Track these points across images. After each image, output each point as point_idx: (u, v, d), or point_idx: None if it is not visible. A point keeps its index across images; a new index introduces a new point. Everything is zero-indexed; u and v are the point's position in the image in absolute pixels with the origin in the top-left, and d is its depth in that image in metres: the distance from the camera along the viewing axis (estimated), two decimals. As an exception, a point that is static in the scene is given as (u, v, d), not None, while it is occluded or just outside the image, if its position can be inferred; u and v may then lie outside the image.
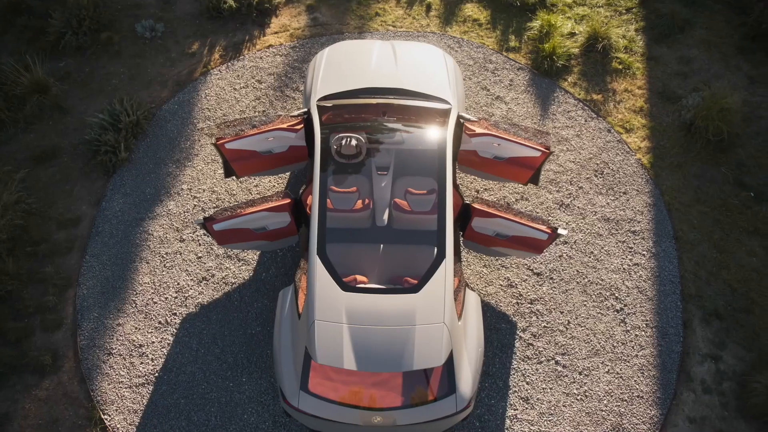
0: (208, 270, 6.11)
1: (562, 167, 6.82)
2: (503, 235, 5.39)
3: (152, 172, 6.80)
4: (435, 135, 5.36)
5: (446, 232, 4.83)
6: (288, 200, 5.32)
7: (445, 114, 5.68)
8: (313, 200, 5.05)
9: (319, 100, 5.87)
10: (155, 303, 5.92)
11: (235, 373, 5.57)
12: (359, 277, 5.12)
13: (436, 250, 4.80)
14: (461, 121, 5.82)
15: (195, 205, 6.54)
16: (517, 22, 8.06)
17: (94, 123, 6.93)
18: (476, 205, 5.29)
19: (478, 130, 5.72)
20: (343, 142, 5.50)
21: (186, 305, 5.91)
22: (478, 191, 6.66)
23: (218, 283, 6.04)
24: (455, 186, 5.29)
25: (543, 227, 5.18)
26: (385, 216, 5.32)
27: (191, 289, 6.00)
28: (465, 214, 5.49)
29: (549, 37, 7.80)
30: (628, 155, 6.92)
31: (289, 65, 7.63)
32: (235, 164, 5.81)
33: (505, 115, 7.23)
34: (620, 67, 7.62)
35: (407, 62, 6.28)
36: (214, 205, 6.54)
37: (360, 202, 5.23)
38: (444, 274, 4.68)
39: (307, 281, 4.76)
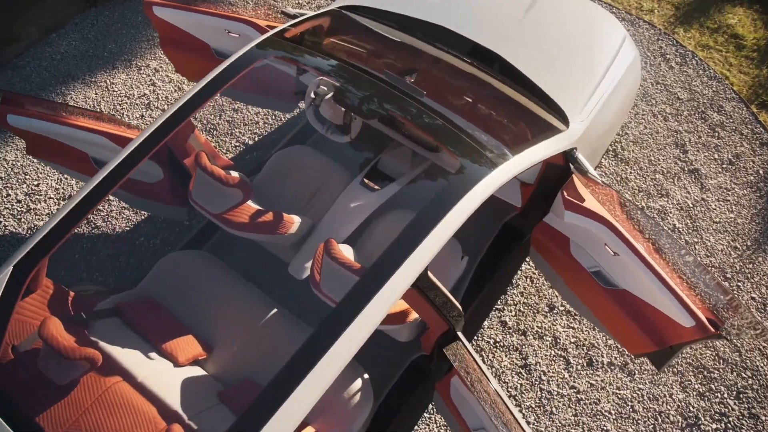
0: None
1: (747, 369, 3.33)
2: None
3: (135, 26, 4.65)
4: (475, 159, 2.33)
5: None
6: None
7: (540, 132, 2.62)
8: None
9: (346, 7, 3.13)
10: (-8, 193, 3.86)
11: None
12: (191, 347, 2.49)
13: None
14: (570, 166, 2.70)
15: (145, 94, 4.28)
16: (809, 68, 4.36)
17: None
18: (456, 364, 2.25)
19: (589, 204, 2.58)
20: (329, 95, 2.78)
21: (22, 220, 3.75)
22: (555, 306, 3.47)
23: (80, 214, 3.77)
24: (438, 301, 2.16)
25: None
26: (310, 264, 2.54)
27: (37, 209, 3.81)
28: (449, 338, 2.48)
29: None
30: None
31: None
32: (167, 47, 3.37)
33: (688, 210, 3.81)
34: None
35: (548, 22, 3.21)
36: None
37: (254, 212, 2.50)
38: None
39: None
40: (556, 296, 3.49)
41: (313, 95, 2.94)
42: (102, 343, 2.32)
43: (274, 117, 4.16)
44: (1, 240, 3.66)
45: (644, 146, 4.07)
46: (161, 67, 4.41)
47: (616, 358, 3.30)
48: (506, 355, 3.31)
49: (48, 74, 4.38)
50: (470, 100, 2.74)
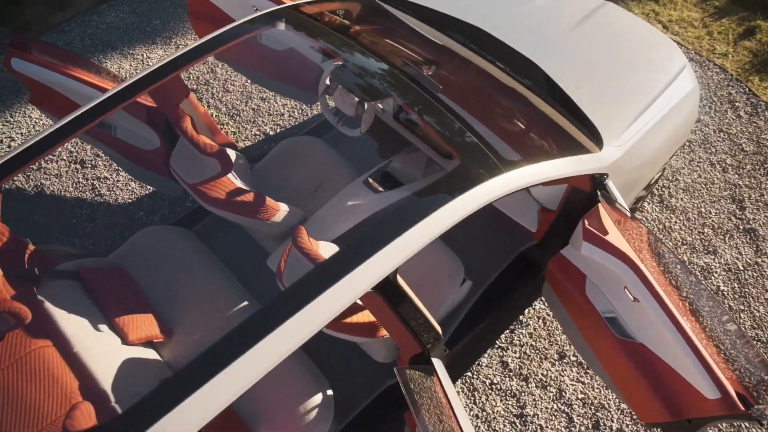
0: (86, 151, 3.78)
1: (777, 450, 2.82)
2: None
3: (182, 6, 4.63)
4: (478, 159, 2.00)
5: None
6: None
7: (566, 148, 2.30)
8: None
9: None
10: None
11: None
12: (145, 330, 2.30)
13: None
14: (597, 194, 2.35)
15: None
16: None
17: None
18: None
19: (613, 238, 2.23)
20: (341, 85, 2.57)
21: (30, 177, 3.69)
22: (566, 355, 3.07)
23: (73, 173, 3.68)
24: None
25: None
26: (284, 261, 2.28)
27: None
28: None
29: None
30: None
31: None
32: (194, 19, 3.26)
33: (737, 273, 3.35)
34: None
35: (599, 37, 2.92)
36: (203, 93, 4.13)
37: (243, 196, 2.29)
38: None
39: None
40: (570, 344, 3.10)
41: (328, 82, 2.74)
42: (47, 304, 2.13)
43: (300, 111, 4.00)
44: (6, 194, 3.61)
45: (695, 196, 3.65)
46: (199, 47, 4.34)
47: (627, 426, 2.87)
48: (501, 400, 2.94)
49: (90, 42, 4.39)
50: (491, 104, 2.46)
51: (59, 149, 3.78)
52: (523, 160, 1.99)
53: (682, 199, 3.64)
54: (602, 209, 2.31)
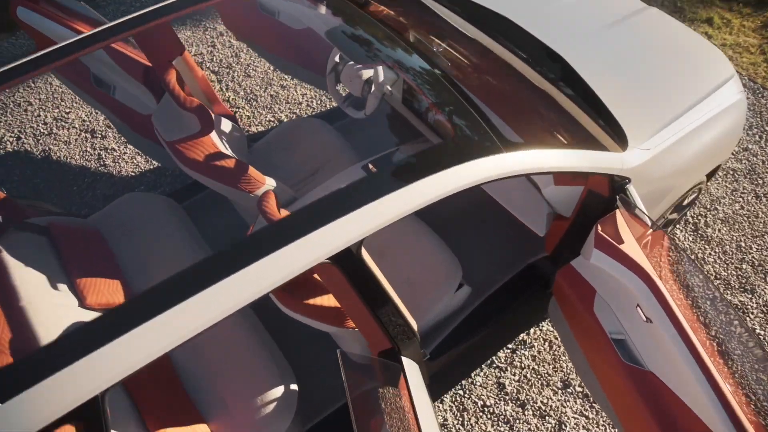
0: (98, 121, 3.71)
1: None
2: None
3: None
4: (475, 135, 1.77)
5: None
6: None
7: (583, 143, 2.05)
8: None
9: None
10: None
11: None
12: None
13: None
14: (616, 200, 2.09)
15: (201, 53, 4.15)
16: None
17: None
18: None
19: (629, 248, 1.95)
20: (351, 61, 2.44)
21: (40, 141, 3.64)
22: (570, 384, 2.76)
23: (83, 141, 3.60)
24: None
25: None
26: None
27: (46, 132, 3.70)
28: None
29: None
30: None
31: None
32: (222, 9, 3.17)
33: (776, 313, 2.99)
34: None
35: (637, 37, 2.68)
36: (223, 76, 4.05)
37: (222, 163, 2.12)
38: None
39: None
40: (576, 373, 2.79)
41: (337, 59, 2.58)
42: (4, 254, 2.00)
43: (319, 101, 3.86)
44: (12, 156, 3.57)
45: (736, 228, 3.30)
46: (227, 32, 4.28)
47: (633, 472, 2.52)
48: (492, 425, 2.65)
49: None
50: (505, 91, 2.24)
51: (73, 118, 3.73)
52: (526, 144, 1.76)
53: (720, 230, 3.30)
54: (620, 216, 2.04)
